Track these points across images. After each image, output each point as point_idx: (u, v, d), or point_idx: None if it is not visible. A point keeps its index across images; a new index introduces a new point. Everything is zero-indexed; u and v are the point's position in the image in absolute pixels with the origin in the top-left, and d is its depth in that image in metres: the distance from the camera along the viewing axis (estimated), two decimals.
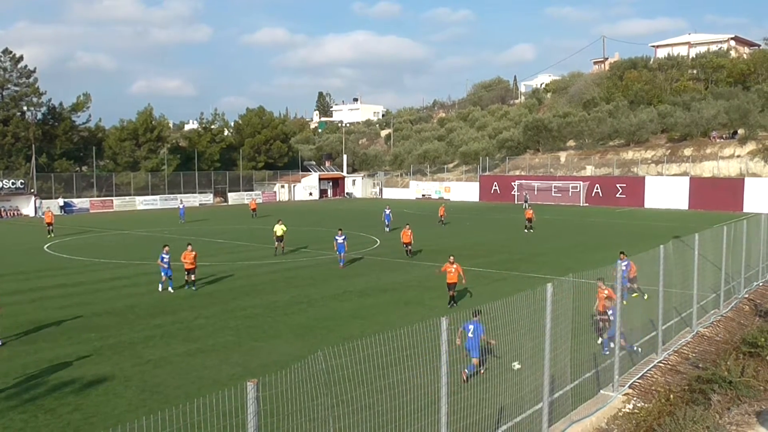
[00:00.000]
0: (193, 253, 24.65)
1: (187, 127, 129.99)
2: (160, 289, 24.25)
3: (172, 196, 74.02)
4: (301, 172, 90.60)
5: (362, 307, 21.58)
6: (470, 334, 13.76)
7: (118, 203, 70.56)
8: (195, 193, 77.70)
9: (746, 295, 21.31)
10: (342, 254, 29.52)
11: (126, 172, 73.93)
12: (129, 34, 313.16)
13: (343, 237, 29.62)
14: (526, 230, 43.36)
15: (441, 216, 49.51)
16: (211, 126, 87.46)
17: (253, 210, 58.57)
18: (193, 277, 24.63)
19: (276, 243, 33.74)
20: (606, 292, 15.48)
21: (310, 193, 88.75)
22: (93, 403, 12.89)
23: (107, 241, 41.11)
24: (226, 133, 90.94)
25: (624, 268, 18.32)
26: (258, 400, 6.35)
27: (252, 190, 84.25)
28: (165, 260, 24.08)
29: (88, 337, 17.77)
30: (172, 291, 24.13)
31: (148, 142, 76.36)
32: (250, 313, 20.69)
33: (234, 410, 8.25)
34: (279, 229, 33.85)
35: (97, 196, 70.94)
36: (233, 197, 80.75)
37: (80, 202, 67.74)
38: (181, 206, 57.52)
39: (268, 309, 21.30)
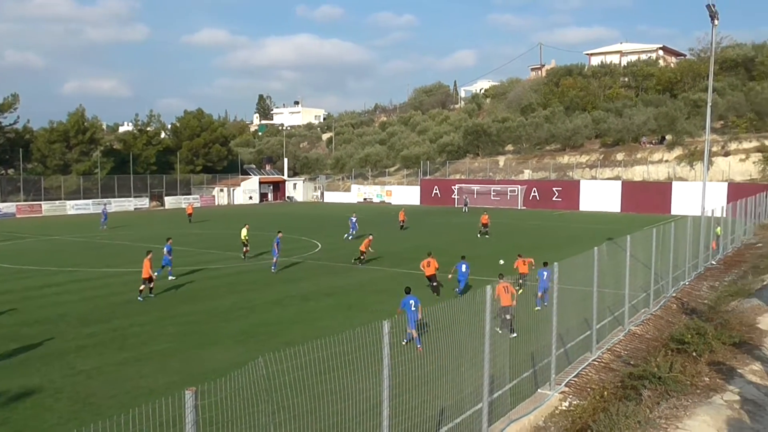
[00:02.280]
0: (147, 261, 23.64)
1: (121, 129, 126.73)
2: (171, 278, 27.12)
3: (105, 199, 71.80)
4: (240, 176, 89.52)
5: (304, 312, 21.45)
6: (413, 308, 16.49)
7: (47, 208, 68.01)
8: (130, 197, 75.81)
9: (674, 294, 22.08)
10: (276, 258, 29.49)
11: (56, 176, 71.43)
12: (61, 33, 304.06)
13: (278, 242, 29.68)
14: (479, 235, 42.69)
15: (401, 221, 49.32)
16: (147, 128, 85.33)
17: (190, 215, 57.53)
18: (143, 288, 23.59)
19: (243, 247, 33.43)
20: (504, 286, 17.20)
21: (250, 197, 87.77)
22: (21, 417, 12.42)
23: (36, 248, 39.72)
24: (162, 135, 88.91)
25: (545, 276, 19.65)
26: (197, 409, 6.25)
27: (190, 194, 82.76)
28: (167, 250, 27.06)
29: (15, 348, 17.12)
30: (173, 278, 27.11)
31: (80, 144, 74.04)
32: (188, 320, 20.30)
33: (172, 420, 8.10)
34: (243, 232, 33.47)
35: (25, 201, 68.36)
36: (170, 201, 79.10)
37: (6, 207, 65.07)
38: (103, 210, 54.00)
39: (208, 315, 20.97)
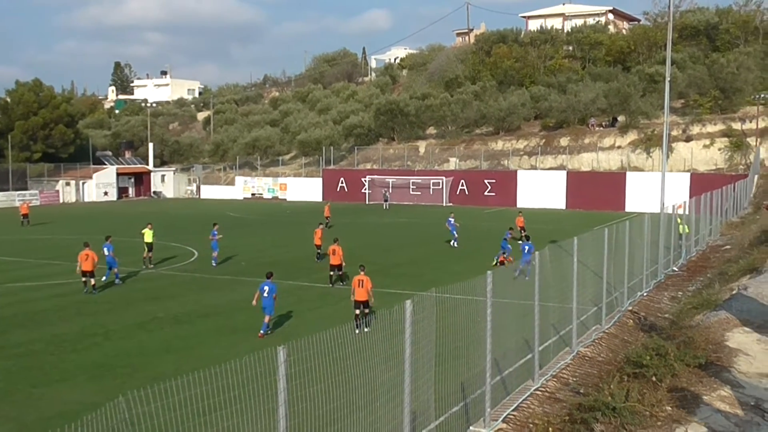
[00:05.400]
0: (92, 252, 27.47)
1: None
2: (104, 279, 29.23)
3: None
4: (92, 166, 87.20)
5: (177, 338, 21.30)
6: (265, 294, 20.80)
7: None
8: None
9: (630, 308, 22.89)
10: (216, 252, 34.03)
11: None
12: None
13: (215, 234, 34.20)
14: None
15: (326, 217, 50.76)
16: None
17: (24, 215, 55.55)
18: (93, 282, 27.58)
19: (145, 252, 34.18)
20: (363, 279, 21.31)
21: (106, 193, 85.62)
22: None
23: None
24: None
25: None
26: None
27: (26, 189, 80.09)
28: (110, 251, 29.11)
29: None
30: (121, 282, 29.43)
31: None
32: (25, 351, 19.84)
33: None
34: (148, 234, 34.07)
35: None
36: (0, 198, 76.30)
37: None
38: None
39: (51, 344, 20.55)
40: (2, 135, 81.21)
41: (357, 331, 17.07)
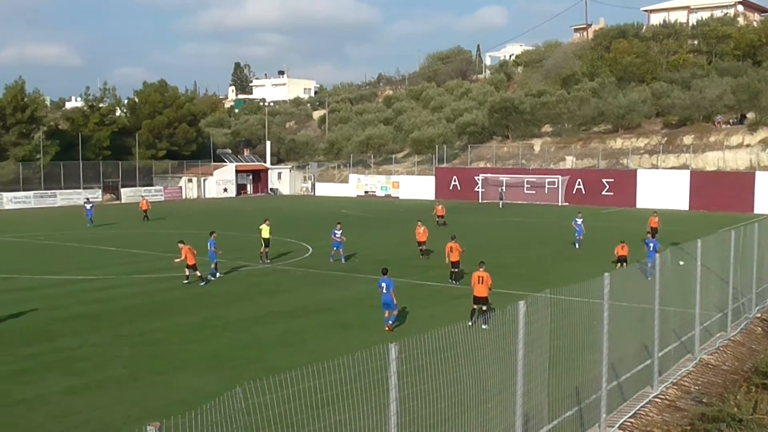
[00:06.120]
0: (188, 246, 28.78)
1: (69, 105, 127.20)
2: (215, 277, 30.05)
3: (49, 191, 73.21)
4: (213, 163, 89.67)
5: (290, 332, 21.59)
6: (384, 290, 21.20)
7: None
8: (79, 188, 76.12)
9: (758, 315, 21.96)
10: (338, 250, 34.35)
11: None
12: None
13: (341, 231, 34.70)
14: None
15: (440, 216, 51.50)
16: (99, 104, 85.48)
17: (145, 211, 57.28)
18: (199, 273, 28.74)
19: (262, 247, 34.52)
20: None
21: (225, 189, 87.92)
22: None
23: None
24: (118, 113, 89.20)
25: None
26: None
27: (151, 185, 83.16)
28: (212, 246, 29.97)
29: None
30: (214, 278, 29.89)
31: (19, 124, 74.24)
32: (149, 339, 20.51)
33: None
34: (265, 230, 34.45)
35: None
36: (128, 194, 79.38)
37: None
38: (88, 206, 54.79)
39: (173, 334, 21.21)
40: (130, 133, 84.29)
41: (470, 324, 17.12)
